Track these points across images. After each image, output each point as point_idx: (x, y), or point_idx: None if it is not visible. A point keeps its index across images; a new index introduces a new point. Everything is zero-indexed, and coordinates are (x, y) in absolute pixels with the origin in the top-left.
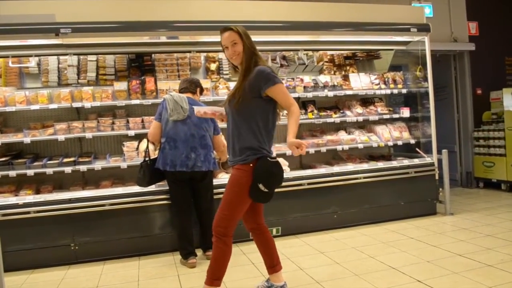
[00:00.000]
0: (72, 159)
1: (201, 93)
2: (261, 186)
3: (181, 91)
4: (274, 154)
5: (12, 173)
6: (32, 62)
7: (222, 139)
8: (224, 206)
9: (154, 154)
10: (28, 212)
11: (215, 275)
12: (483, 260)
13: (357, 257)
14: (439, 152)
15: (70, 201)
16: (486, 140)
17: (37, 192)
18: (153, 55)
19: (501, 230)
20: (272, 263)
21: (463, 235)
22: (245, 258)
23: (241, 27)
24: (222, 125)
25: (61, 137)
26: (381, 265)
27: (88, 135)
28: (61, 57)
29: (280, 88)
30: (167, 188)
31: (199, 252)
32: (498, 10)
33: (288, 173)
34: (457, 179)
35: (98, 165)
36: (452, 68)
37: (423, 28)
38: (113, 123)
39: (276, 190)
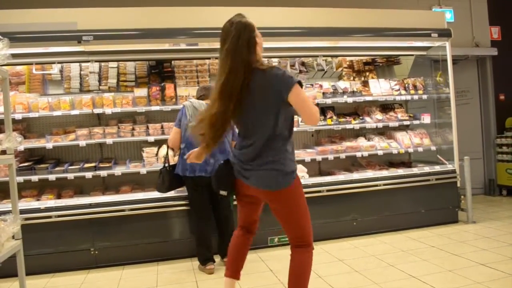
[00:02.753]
0: (93, 164)
1: None
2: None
3: (200, 98)
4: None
5: (35, 178)
6: (55, 69)
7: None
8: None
9: (173, 160)
10: (50, 217)
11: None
12: (507, 270)
13: (376, 265)
14: (461, 159)
15: (90, 206)
16: (510, 147)
17: (59, 197)
18: (172, 62)
19: None
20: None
21: (485, 244)
22: (263, 265)
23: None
24: None
25: (82, 143)
26: (401, 273)
27: (109, 140)
28: (83, 64)
29: (302, 90)
30: (186, 194)
31: (217, 258)
32: None
33: (306, 179)
34: (480, 187)
35: (118, 170)
36: (475, 72)
37: (444, 33)
38: (133, 129)
39: None
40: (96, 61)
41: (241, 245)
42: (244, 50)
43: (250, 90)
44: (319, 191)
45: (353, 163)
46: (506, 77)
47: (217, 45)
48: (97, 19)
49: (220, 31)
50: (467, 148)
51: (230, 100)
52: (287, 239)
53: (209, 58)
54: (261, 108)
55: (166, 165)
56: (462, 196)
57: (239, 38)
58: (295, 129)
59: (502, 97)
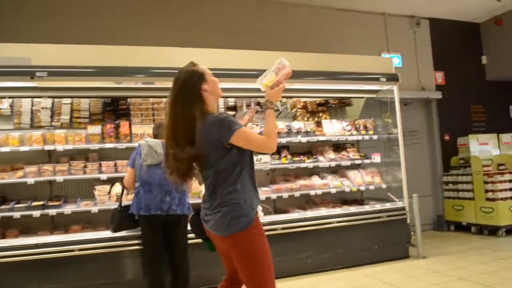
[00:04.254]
0: (41, 202)
1: None
2: None
3: (155, 136)
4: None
5: None
6: (5, 104)
7: (194, 183)
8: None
9: (126, 199)
10: None
11: None
12: None
13: None
14: (410, 196)
15: (37, 246)
16: (455, 184)
17: (3, 236)
18: (128, 100)
19: (471, 273)
20: None
21: (435, 279)
22: None
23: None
24: None
25: (30, 180)
26: None
27: (59, 178)
28: (35, 100)
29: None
30: (139, 233)
31: None
32: (462, 61)
33: (262, 217)
34: (430, 222)
35: (68, 209)
36: (423, 114)
37: (391, 78)
38: (85, 166)
39: None
40: (49, 97)
41: None
42: (187, 100)
43: (199, 135)
44: (274, 229)
45: (307, 201)
46: (450, 118)
47: (170, 84)
48: (52, 55)
49: (176, 70)
50: (417, 185)
51: (178, 145)
52: None
53: (165, 97)
54: (207, 152)
55: (118, 206)
56: (412, 232)
57: (185, 88)
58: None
59: (447, 137)
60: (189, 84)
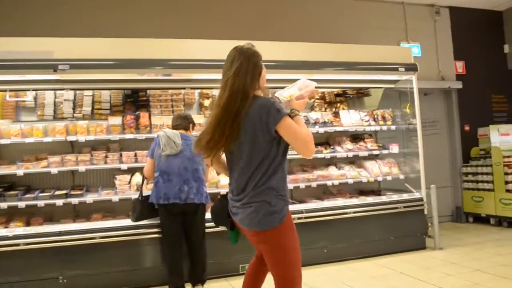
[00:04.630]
0: (64, 192)
1: (193, 128)
2: None
3: (174, 127)
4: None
5: (3, 205)
6: (29, 96)
7: (212, 173)
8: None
9: (146, 189)
10: (18, 244)
11: None
12: None
13: None
14: (428, 187)
15: (60, 233)
16: (475, 176)
17: (28, 224)
18: (148, 91)
19: (489, 265)
20: None
21: (451, 270)
22: None
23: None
24: None
25: (54, 170)
26: None
27: (81, 168)
28: (57, 92)
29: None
30: (159, 222)
31: (188, 286)
32: (483, 50)
33: None
34: (448, 214)
35: (89, 198)
36: (443, 105)
37: (410, 68)
38: (106, 156)
39: None
40: (71, 89)
41: (255, 273)
42: (249, 75)
43: (244, 118)
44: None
45: (324, 192)
46: (471, 109)
47: (192, 75)
48: (74, 48)
49: (195, 62)
50: (436, 176)
51: (224, 127)
52: None
53: (184, 88)
54: (246, 138)
55: (139, 196)
56: (430, 224)
57: (249, 61)
58: None
59: (467, 128)
60: (254, 60)
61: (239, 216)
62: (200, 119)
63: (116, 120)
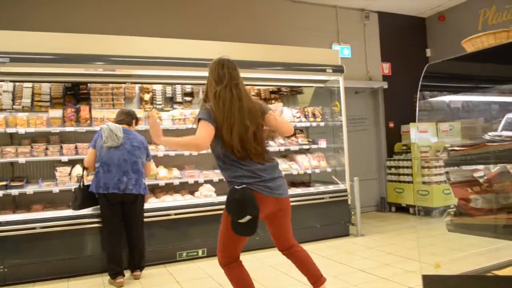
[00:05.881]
0: (3, 183)
1: (136, 123)
2: (232, 216)
3: (118, 122)
4: (250, 180)
5: None
6: None
7: (152, 166)
8: (218, 240)
9: (87, 180)
10: None
11: None
12: (380, 274)
13: (273, 275)
14: (352, 179)
15: (0, 224)
16: (397, 169)
17: None
18: (88, 84)
19: (401, 248)
20: (313, 279)
21: (368, 254)
22: (171, 278)
23: (212, 62)
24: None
25: None
26: (293, 280)
27: (21, 160)
28: None
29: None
30: (98, 212)
31: (127, 273)
32: (407, 53)
33: (214, 198)
34: (374, 204)
35: (30, 189)
36: (371, 103)
37: (337, 69)
38: (46, 148)
39: (200, 214)
40: (11, 81)
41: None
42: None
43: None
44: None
45: None
46: (395, 107)
47: (132, 71)
48: (15, 42)
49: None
50: (363, 169)
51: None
52: (194, 253)
53: (124, 83)
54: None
55: (80, 184)
56: (353, 212)
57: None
58: (205, 151)
59: (391, 124)
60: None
61: (281, 189)
62: (140, 113)
63: (57, 112)
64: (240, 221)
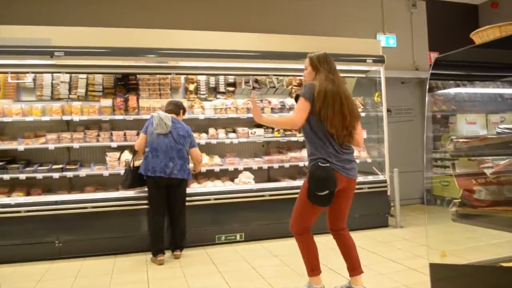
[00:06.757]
0: (60, 166)
1: (183, 114)
2: (312, 189)
3: (167, 111)
4: (332, 159)
5: (6, 177)
6: (28, 78)
7: (197, 152)
8: (294, 209)
9: (135, 163)
10: (19, 212)
11: (308, 266)
12: (409, 265)
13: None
14: (392, 171)
15: (56, 203)
16: (443, 161)
17: (28, 194)
18: (137, 75)
19: (435, 241)
20: (352, 267)
21: (402, 245)
22: (208, 259)
23: (315, 55)
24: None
25: (51, 146)
26: (323, 267)
27: (76, 145)
28: (54, 74)
29: (298, 102)
30: (144, 194)
31: (168, 252)
32: (457, 42)
33: (252, 185)
34: (419, 197)
35: (83, 172)
36: (417, 93)
37: (378, 60)
38: (98, 135)
39: (239, 200)
40: (67, 72)
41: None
42: None
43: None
44: (263, 196)
45: (299, 172)
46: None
47: (179, 63)
48: (70, 36)
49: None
50: (409, 161)
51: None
52: (232, 237)
53: (170, 74)
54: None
55: (131, 165)
56: (392, 204)
57: None
58: (246, 139)
59: (439, 116)
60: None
61: (355, 170)
62: (184, 103)
63: (107, 102)
64: (319, 193)
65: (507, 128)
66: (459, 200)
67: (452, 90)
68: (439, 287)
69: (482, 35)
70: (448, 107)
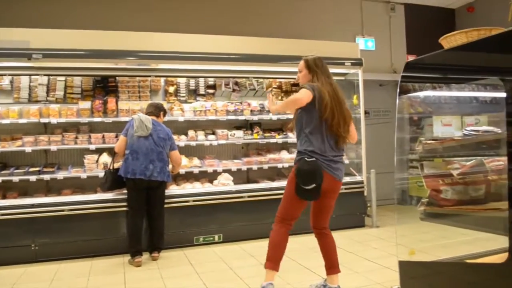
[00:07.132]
0: (37, 169)
1: (164, 116)
2: (299, 182)
3: (147, 113)
4: (320, 157)
5: None
6: (5, 81)
7: (177, 154)
8: (282, 199)
9: (113, 167)
10: None
11: (269, 256)
12: (383, 263)
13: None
14: (368, 172)
15: (33, 206)
16: (418, 162)
17: (3, 197)
18: (116, 78)
19: (410, 240)
20: (330, 265)
21: (378, 244)
22: (186, 260)
23: (311, 58)
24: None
25: (28, 149)
26: (298, 266)
27: (53, 147)
28: (32, 77)
29: (302, 90)
30: (122, 197)
31: (146, 254)
32: (434, 45)
33: (231, 186)
34: (395, 197)
35: (60, 175)
36: (394, 95)
37: (356, 63)
38: (76, 137)
39: (217, 202)
40: (45, 75)
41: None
42: None
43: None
44: (241, 197)
45: (278, 173)
46: None
47: (158, 65)
48: (48, 39)
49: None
50: (387, 162)
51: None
52: (211, 239)
53: (150, 76)
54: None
55: (111, 167)
56: (369, 204)
57: None
58: (225, 141)
59: (415, 117)
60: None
61: (341, 172)
62: (164, 105)
63: (86, 104)
64: (305, 187)
65: (474, 130)
66: (427, 199)
67: (428, 93)
68: (408, 284)
69: (450, 40)
70: (425, 109)
